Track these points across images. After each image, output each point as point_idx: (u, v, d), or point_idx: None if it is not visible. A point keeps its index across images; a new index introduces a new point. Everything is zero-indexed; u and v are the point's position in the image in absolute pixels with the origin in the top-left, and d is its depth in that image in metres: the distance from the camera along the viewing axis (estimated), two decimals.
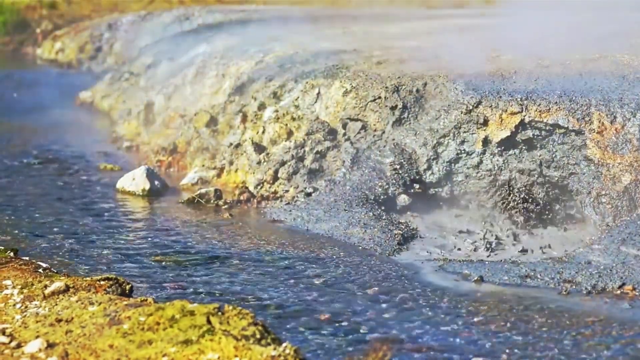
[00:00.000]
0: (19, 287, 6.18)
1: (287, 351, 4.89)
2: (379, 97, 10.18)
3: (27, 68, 21.17)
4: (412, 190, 9.55)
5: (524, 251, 8.50)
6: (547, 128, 9.14)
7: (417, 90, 10.02)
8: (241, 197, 10.16)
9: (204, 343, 5.02)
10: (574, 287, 7.48)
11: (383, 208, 9.35)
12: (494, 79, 9.82)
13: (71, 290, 6.05)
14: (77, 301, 5.82)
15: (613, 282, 7.50)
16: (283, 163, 10.24)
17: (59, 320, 5.58)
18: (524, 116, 9.22)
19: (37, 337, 5.40)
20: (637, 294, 7.34)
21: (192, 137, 11.89)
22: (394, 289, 7.42)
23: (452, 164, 9.54)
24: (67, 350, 5.21)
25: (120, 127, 14.27)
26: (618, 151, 8.77)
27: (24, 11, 24.23)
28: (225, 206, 10.00)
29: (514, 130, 9.26)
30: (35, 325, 5.58)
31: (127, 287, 6.33)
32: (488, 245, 8.59)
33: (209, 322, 5.20)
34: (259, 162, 10.50)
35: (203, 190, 10.24)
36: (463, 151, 9.51)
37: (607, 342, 6.38)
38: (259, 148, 10.70)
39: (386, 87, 10.20)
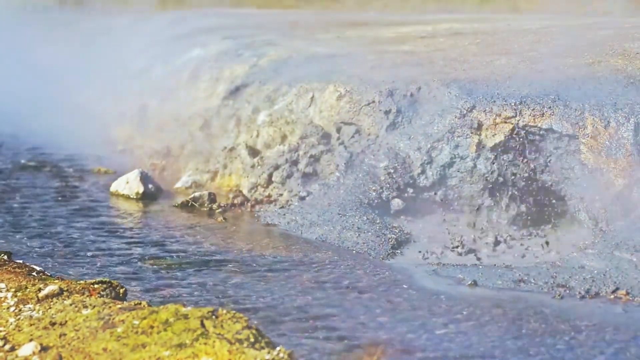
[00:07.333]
0: (13, 290, 6.17)
1: (281, 355, 4.89)
2: (373, 101, 10.19)
3: None
4: (406, 195, 9.56)
5: (517, 255, 8.51)
6: (541, 133, 9.16)
7: (411, 95, 10.03)
8: (235, 201, 10.16)
9: (198, 347, 5.02)
10: (567, 291, 7.49)
11: (377, 212, 9.35)
12: (487, 83, 9.83)
13: (65, 293, 6.05)
14: (71, 304, 5.81)
15: (607, 287, 7.51)
16: (277, 167, 10.24)
17: (53, 324, 5.57)
18: (518, 121, 9.23)
19: (31, 340, 5.39)
20: (630, 298, 7.35)
21: (186, 140, 11.90)
22: (388, 293, 7.42)
23: (446, 168, 9.55)
24: (60, 353, 5.21)
25: (114, 130, 14.25)
26: (612, 156, 8.79)
27: None
28: (219, 210, 9.99)
29: (508, 134, 9.28)
30: (29, 329, 5.57)
31: (121, 290, 6.32)
32: (482, 250, 8.59)
33: (202, 325, 5.19)
34: (252, 166, 10.50)
35: (197, 194, 10.24)
36: (457, 155, 9.51)
37: (601, 346, 6.39)
38: (252, 152, 10.70)
39: (380, 91, 10.20)
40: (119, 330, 5.30)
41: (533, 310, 7.05)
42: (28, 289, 6.16)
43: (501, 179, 9.28)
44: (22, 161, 12.54)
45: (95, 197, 10.64)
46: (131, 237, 8.97)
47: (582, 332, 6.64)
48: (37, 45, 19.02)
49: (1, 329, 5.62)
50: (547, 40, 11.74)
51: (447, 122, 9.59)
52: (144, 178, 10.69)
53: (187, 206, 10.13)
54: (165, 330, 5.21)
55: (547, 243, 8.66)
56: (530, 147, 9.24)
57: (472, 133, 9.44)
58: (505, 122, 9.30)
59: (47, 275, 6.72)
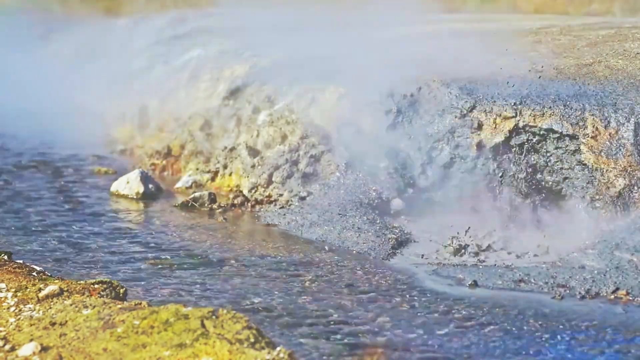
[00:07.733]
0: (13, 290, 6.18)
1: (281, 355, 4.89)
2: (373, 101, 10.19)
3: None
4: (406, 195, 9.56)
5: (518, 255, 8.51)
6: (542, 133, 9.16)
7: (412, 95, 10.03)
8: (235, 201, 10.16)
9: (198, 347, 5.02)
10: (567, 291, 7.49)
11: (377, 212, 9.36)
12: (487, 83, 9.83)
13: (65, 293, 6.05)
14: (71, 304, 5.81)
15: (607, 287, 7.51)
16: (277, 167, 10.24)
17: (53, 324, 5.58)
18: (518, 121, 9.24)
19: (31, 340, 5.39)
20: (630, 298, 7.35)
21: (186, 140, 11.90)
22: (388, 293, 7.42)
23: (446, 168, 9.55)
24: (61, 353, 5.21)
25: (115, 130, 14.27)
26: (612, 156, 8.79)
27: None
28: (220, 210, 10.00)
29: (508, 134, 9.28)
30: (29, 329, 5.57)
31: (121, 290, 6.33)
32: (482, 250, 8.59)
33: (203, 325, 5.20)
34: (253, 166, 10.50)
35: (197, 194, 10.24)
36: (457, 155, 9.52)
37: (601, 346, 6.39)
38: (253, 152, 10.70)
39: (380, 91, 10.20)
40: (119, 330, 5.30)
41: (533, 310, 7.05)
42: (28, 289, 6.16)
43: (501, 179, 9.29)
44: (23, 161, 12.54)
45: (96, 197, 10.64)
46: (131, 237, 8.97)
47: (582, 332, 6.64)
48: (37, 45, 19.01)
49: (1, 329, 5.62)
50: (547, 40, 11.74)
51: (448, 122, 9.59)
52: (145, 178, 10.70)
53: (187, 206, 10.13)
54: (165, 330, 5.22)
55: (547, 243, 8.66)
56: (530, 146, 9.24)
57: (472, 133, 9.45)
58: (506, 122, 9.30)
59: (47, 275, 6.73)
